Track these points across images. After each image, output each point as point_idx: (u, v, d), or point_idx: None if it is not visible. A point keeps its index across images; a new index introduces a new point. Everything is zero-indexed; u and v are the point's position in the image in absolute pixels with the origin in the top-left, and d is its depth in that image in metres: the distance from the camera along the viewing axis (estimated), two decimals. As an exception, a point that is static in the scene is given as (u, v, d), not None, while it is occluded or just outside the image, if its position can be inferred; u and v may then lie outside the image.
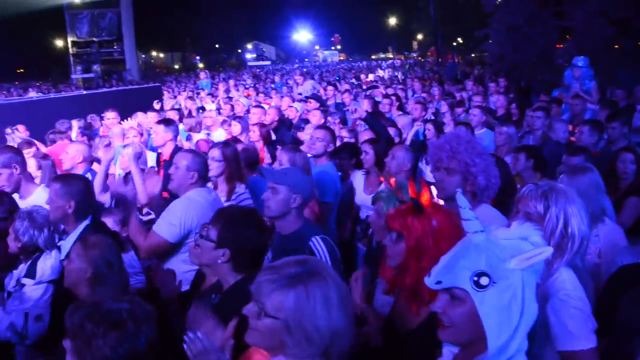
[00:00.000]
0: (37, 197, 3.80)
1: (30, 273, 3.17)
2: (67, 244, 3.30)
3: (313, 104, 8.71)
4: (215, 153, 4.33)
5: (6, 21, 41.54)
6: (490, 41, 16.24)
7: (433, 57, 36.41)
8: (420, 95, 11.32)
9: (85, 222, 3.40)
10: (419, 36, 64.96)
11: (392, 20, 60.38)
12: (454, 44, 43.17)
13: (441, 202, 2.62)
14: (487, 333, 1.53)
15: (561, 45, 16.46)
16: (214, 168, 4.26)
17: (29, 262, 3.22)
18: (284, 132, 7.59)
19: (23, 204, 3.80)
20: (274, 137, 6.97)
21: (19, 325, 3.01)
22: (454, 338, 1.64)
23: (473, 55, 35.68)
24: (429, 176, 5.70)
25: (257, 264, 2.60)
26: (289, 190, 3.07)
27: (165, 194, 4.84)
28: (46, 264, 3.19)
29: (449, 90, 13.38)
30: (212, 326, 2.20)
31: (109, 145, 5.59)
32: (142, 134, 6.48)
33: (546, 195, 2.23)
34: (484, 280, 1.54)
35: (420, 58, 52.03)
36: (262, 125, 6.70)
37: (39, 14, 39.44)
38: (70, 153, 4.76)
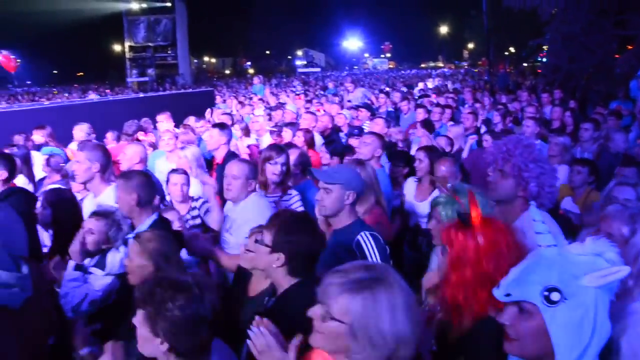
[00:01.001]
0: (106, 196, 3.92)
1: (100, 264, 3.31)
2: None
3: (364, 112, 8.71)
4: (283, 158, 4.39)
5: (68, 26, 43.39)
6: (545, 51, 15.82)
7: (484, 67, 35.77)
8: (473, 105, 11.17)
9: (153, 217, 3.51)
10: (470, 45, 64.17)
11: (443, 29, 59.68)
12: (506, 53, 42.41)
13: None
14: (555, 350, 1.50)
15: (619, 56, 15.89)
16: (279, 173, 4.31)
17: (98, 256, 3.35)
18: (335, 139, 7.62)
19: (95, 201, 3.97)
20: (318, 140, 7.04)
21: (75, 302, 3.17)
22: (519, 351, 1.61)
23: (525, 64, 34.96)
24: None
25: (312, 268, 2.62)
26: (342, 188, 3.12)
27: (217, 197, 4.93)
28: (115, 258, 3.32)
29: (500, 100, 13.13)
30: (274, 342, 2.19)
31: None
32: (177, 137, 6.57)
33: (634, 218, 2.09)
34: (554, 296, 1.50)
35: (471, 67, 51.31)
36: (306, 130, 6.77)
37: (99, 20, 41.05)
38: (127, 154, 4.89)
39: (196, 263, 4.06)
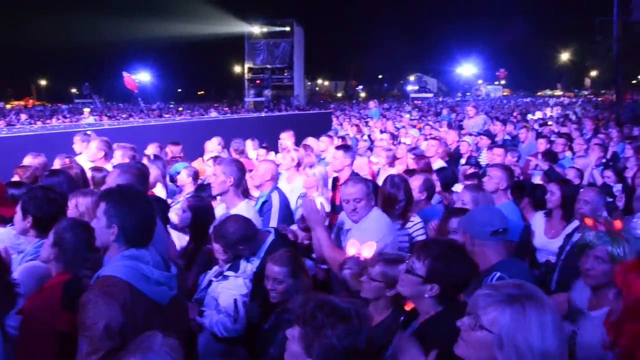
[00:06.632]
0: (239, 210, 4.14)
1: (234, 267, 3.60)
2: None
3: (484, 140, 8.52)
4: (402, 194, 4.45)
5: (194, 48, 46.72)
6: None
7: (609, 96, 33.74)
8: (596, 136, 10.56)
9: (271, 238, 3.76)
10: (593, 73, 60.78)
11: (564, 56, 56.90)
12: (634, 82, 39.72)
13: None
14: None
15: None
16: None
17: (230, 263, 3.63)
18: (448, 169, 7.44)
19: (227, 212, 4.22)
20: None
21: (231, 309, 3.41)
22: None
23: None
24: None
25: (459, 295, 2.59)
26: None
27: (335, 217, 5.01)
28: (247, 266, 3.61)
29: (629, 133, 12.26)
30: (416, 354, 2.24)
31: None
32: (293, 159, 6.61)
33: None
34: None
35: (593, 96, 48.58)
36: (421, 156, 6.70)
37: (222, 43, 43.85)
38: (260, 170, 5.09)
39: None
